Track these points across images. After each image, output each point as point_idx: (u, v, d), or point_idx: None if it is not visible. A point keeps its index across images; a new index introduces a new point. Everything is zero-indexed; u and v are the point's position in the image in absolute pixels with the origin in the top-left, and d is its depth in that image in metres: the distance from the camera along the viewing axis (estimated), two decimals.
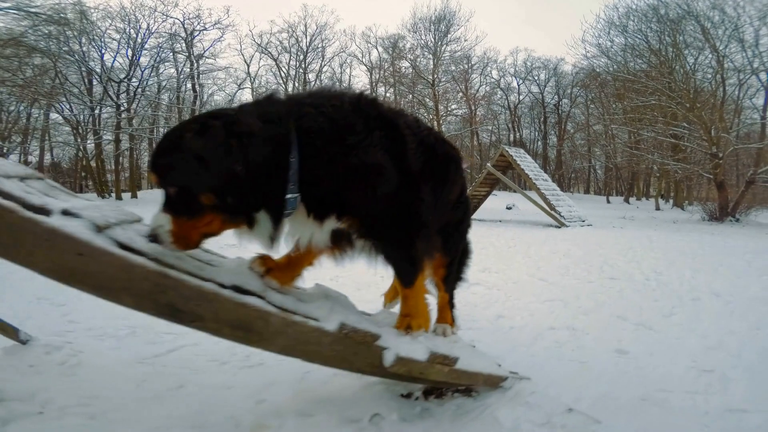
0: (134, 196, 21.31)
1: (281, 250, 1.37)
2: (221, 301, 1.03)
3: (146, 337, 2.29)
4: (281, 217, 1.19)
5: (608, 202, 26.84)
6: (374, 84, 27.69)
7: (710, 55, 15.14)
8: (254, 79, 27.18)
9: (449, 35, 20.59)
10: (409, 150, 1.34)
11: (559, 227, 9.64)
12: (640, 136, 18.44)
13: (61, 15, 14.59)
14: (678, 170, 16.78)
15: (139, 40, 19.71)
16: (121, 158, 22.57)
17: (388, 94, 28.11)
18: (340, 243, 1.44)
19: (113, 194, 20.40)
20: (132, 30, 19.62)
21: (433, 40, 19.98)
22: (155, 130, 22.08)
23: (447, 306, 1.89)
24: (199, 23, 21.98)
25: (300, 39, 25.07)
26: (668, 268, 4.65)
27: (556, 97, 33.55)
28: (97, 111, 19.47)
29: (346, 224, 1.32)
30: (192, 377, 1.79)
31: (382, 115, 1.34)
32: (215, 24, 22.42)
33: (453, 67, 22.62)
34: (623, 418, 1.44)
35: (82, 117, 20.03)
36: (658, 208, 21.17)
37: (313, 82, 25.30)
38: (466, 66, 24.42)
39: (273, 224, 1.18)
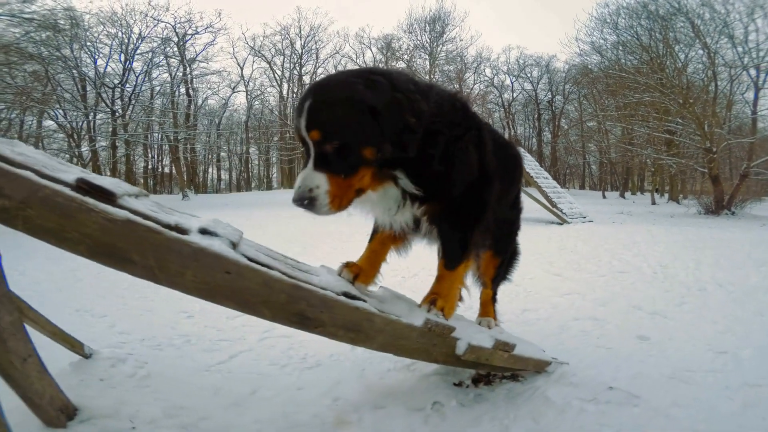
0: None
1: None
2: (340, 307, 1.19)
3: (202, 346, 2.38)
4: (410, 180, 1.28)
5: (604, 197, 27.23)
6: None
7: (701, 51, 15.52)
8: (248, 81, 27.25)
9: (445, 35, 20.97)
10: (488, 150, 1.50)
11: (561, 224, 9.90)
12: (633, 132, 18.80)
13: (56, 21, 14.53)
14: (672, 165, 17.17)
15: (131, 46, 19.76)
16: (118, 164, 22.54)
17: None
18: (405, 232, 1.58)
19: None
20: (123, 35, 19.68)
21: (428, 40, 20.32)
22: (149, 136, 22.15)
23: (490, 301, 2.09)
24: (190, 27, 22.09)
25: (294, 41, 25.25)
26: (673, 261, 4.90)
27: (549, 93, 34.00)
28: (91, 117, 19.48)
29: (427, 207, 1.41)
30: (261, 382, 1.90)
31: (473, 116, 1.50)
32: (207, 27, 22.56)
33: (447, 67, 22.93)
34: (658, 393, 1.66)
35: (75, 123, 20.03)
36: (654, 203, 21.55)
37: (307, 85, 25.41)
38: (461, 65, 24.72)
39: (410, 182, 1.28)
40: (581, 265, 4.72)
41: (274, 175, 36.32)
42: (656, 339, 2.39)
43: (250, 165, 31.39)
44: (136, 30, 20.09)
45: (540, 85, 33.80)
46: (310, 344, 2.34)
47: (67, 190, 1.03)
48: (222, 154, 32.31)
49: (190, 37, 21.93)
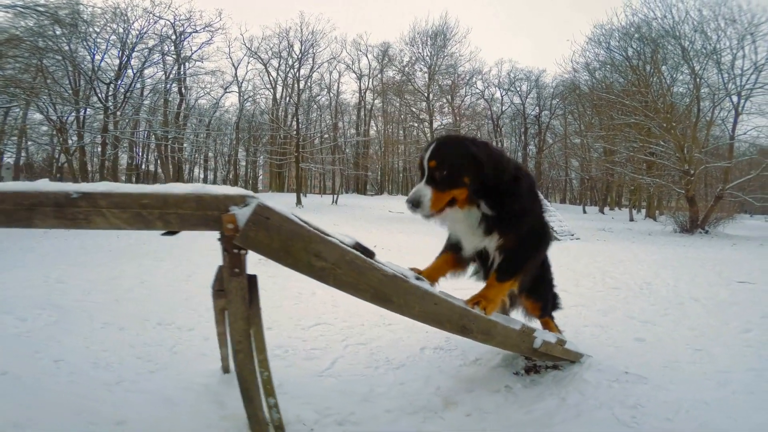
0: None
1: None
2: (482, 320, 1.85)
3: (300, 355, 2.72)
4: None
5: (584, 212, 28.77)
6: (363, 92, 28.81)
7: (688, 75, 16.79)
8: (241, 83, 27.53)
9: (446, 50, 21.93)
10: (540, 199, 2.20)
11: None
12: (617, 153, 20.04)
13: (57, 12, 14.52)
14: (651, 184, 18.52)
15: (129, 43, 19.86)
16: (106, 162, 22.46)
17: (377, 102, 29.16)
18: (463, 261, 2.25)
19: None
20: (122, 30, 19.77)
21: (429, 54, 21.28)
22: (140, 134, 22.20)
23: (549, 320, 2.71)
24: (189, 25, 22.34)
25: (293, 44, 25.74)
26: (655, 278, 5.75)
27: (536, 108, 35.60)
28: (82, 112, 19.41)
29: (503, 239, 1.99)
30: (369, 381, 2.30)
31: (528, 174, 2.10)
32: (206, 27, 22.84)
33: (443, 81, 23.87)
34: (658, 376, 2.38)
35: (65, 117, 19.85)
36: (632, 219, 23.06)
37: (303, 90, 25.90)
38: (455, 78, 25.72)
39: (489, 208, 1.88)
40: (579, 282, 5.52)
41: (260, 177, 36.54)
42: (649, 340, 3.14)
43: (237, 166, 31.59)
44: (136, 26, 20.26)
45: (528, 100, 35.36)
46: (386, 350, 2.88)
47: (359, 254, 1.52)
48: (209, 154, 32.34)
49: (188, 35, 22.19)
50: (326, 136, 31.25)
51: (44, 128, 20.96)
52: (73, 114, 19.54)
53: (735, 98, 16.06)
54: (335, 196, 25.79)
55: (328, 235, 1.49)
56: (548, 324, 2.71)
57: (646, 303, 4.39)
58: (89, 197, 1.30)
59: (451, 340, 3.03)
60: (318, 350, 2.86)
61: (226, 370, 2.26)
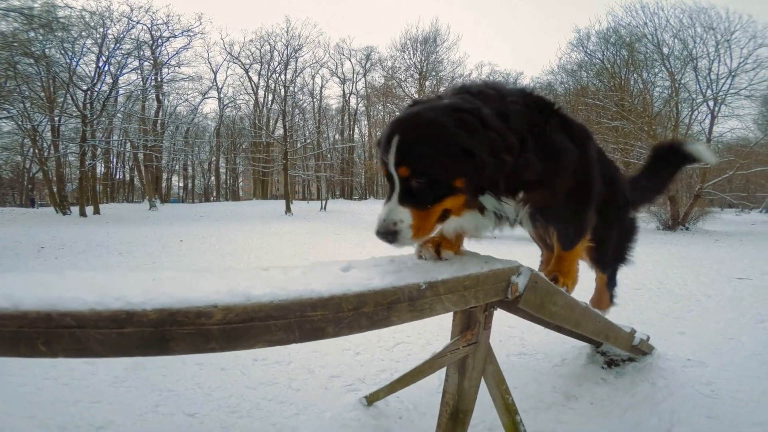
0: (97, 212, 20.90)
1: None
2: (614, 328, 2.51)
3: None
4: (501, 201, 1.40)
5: None
6: (347, 96, 29.38)
7: (666, 77, 18.09)
8: (221, 88, 27.50)
9: (435, 55, 22.77)
10: (576, 131, 1.63)
11: None
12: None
13: (47, 18, 14.29)
14: None
15: (105, 48, 19.60)
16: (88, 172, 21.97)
17: (361, 106, 29.76)
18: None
19: (70, 210, 19.93)
20: (99, 34, 19.49)
21: (420, 60, 22.05)
22: (121, 143, 21.85)
23: (605, 288, 2.66)
24: (167, 29, 22.24)
25: (275, 48, 26.01)
26: (666, 278, 6.64)
27: None
28: (57, 120, 19.01)
29: (532, 202, 1.53)
30: (483, 389, 2.76)
31: (549, 106, 1.58)
32: (185, 31, 22.78)
33: (430, 86, 24.77)
34: (711, 360, 3.12)
35: (38, 125, 19.38)
36: None
37: (287, 96, 26.17)
38: (437, 82, 26.68)
39: (497, 207, 1.41)
40: None
41: (240, 184, 36.37)
42: (689, 333, 3.93)
43: (219, 174, 31.39)
44: (114, 30, 20.02)
45: None
46: None
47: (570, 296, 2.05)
48: (187, 161, 31.98)
49: (165, 40, 22.08)
50: (309, 143, 31.55)
51: (15, 137, 20.34)
52: (48, 122, 19.07)
53: (711, 103, 17.52)
54: (323, 202, 26.14)
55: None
56: (602, 290, 2.71)
57: (668, 302, 5.22)
58: (433, 287, 1.39)
59: (527, 346, 3.62)
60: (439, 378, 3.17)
61: (371, 402, 2.45)
